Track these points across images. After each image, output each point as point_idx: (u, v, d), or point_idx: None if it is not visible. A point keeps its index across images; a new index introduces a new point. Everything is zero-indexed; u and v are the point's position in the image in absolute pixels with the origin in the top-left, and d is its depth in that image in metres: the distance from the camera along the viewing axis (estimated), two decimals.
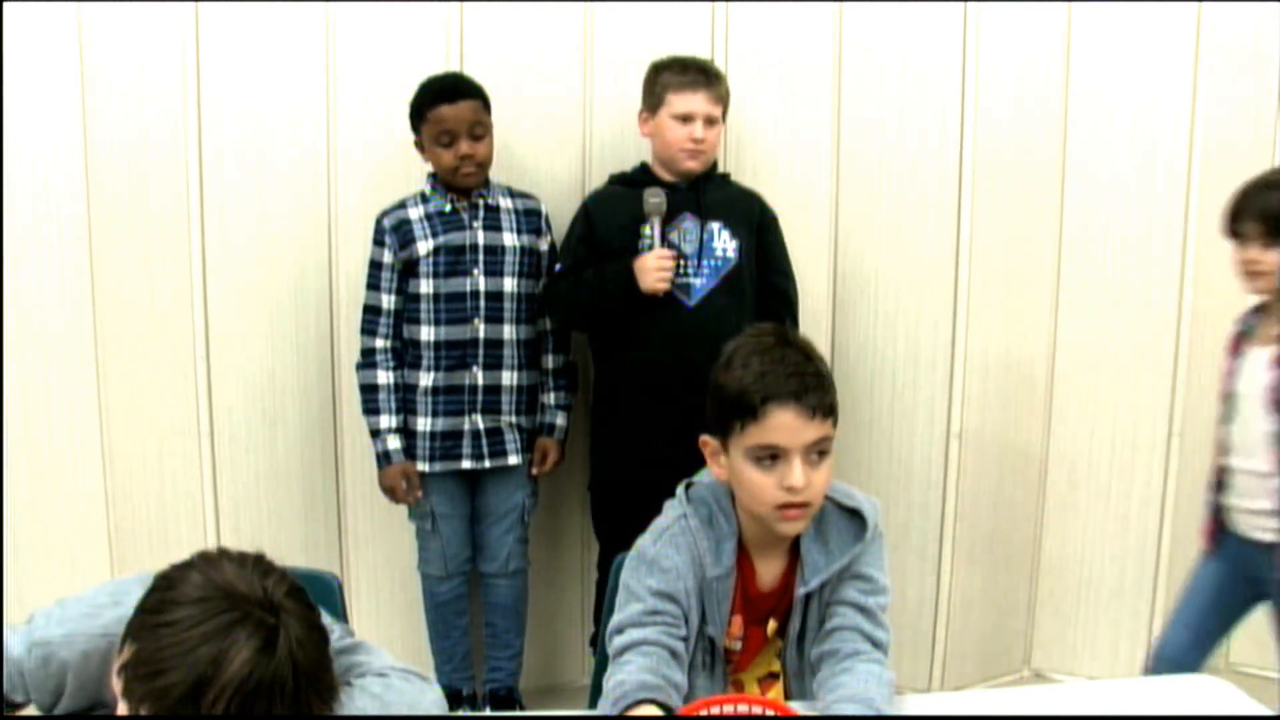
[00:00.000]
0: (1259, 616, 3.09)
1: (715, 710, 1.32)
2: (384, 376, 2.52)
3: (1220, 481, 2.20)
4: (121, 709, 1.11)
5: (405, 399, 2.53)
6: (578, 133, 2.70)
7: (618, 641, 1.45)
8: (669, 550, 1.50)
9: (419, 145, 2.51)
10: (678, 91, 2.45)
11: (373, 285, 2.53)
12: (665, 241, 2.45)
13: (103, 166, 2.53)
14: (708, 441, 1.52)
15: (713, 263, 2.48)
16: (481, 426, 2.52)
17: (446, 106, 2.44)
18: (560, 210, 2.66)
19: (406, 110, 2.50)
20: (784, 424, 1.42)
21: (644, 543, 1.53)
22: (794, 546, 1.55)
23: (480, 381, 2.51)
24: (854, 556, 1.52)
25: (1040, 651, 2.98)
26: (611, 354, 2.55)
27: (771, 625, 1.59)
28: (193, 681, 1.05)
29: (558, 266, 2.56)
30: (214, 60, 2.55)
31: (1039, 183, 2.77)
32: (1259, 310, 2.16)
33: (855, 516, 1.54)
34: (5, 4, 2.43)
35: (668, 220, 2.46)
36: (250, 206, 2.61)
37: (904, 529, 2.79)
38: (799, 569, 1.53)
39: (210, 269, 2.61)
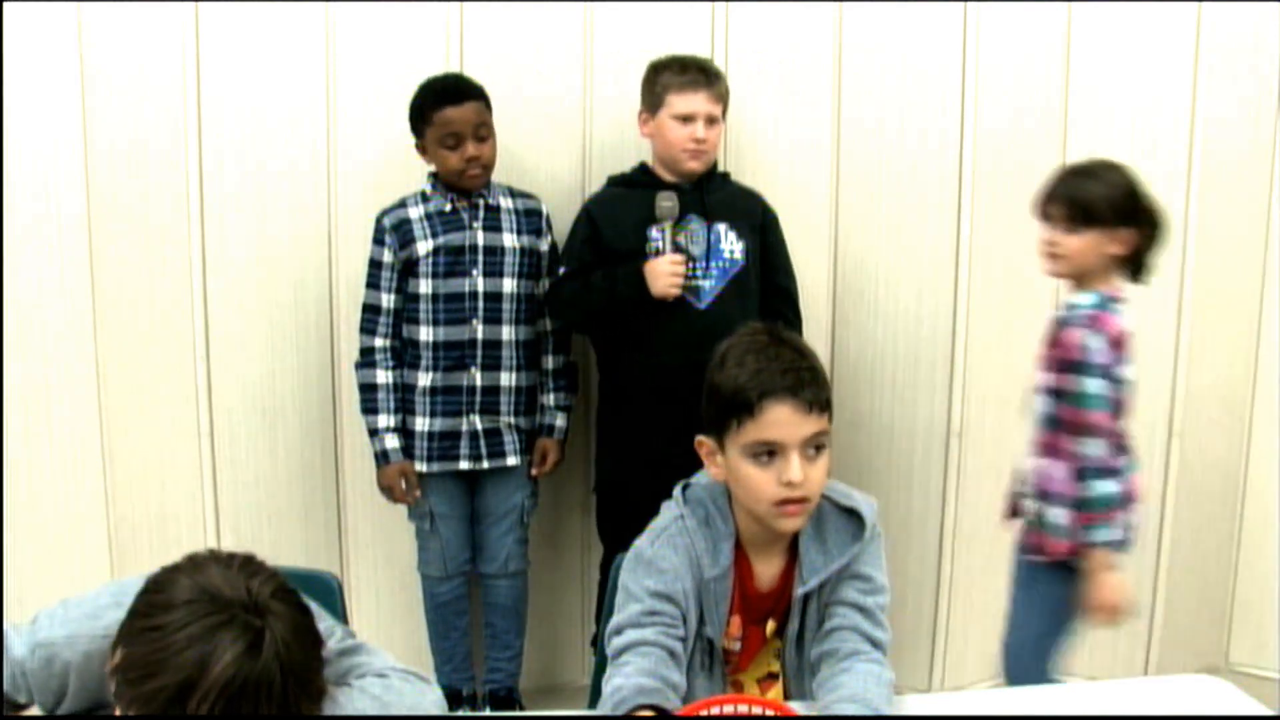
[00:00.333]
0: (1259, 616, 3.09)
1: (715, 710, 1.32)
2: (383, 376, 2.52)
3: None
4: (117, 711, 1.12)
5: (404, 399, 2.53)
6: (578, 133, 2.70)
7: (616, 643, 1.45)
8: (666, 551, 1.50)
9: (420, 148, 2.50)
10: (678, 92, 2.45)
11: (372, 284, 2.53)
12: (674, 244, 2.45)
13: (103, 166, 2.53)
14: (704, 442, 1.53)
15: (721, 264, 2.48)
16: (480, 427, 2.52)
17: (452, 109, 2.43)
18: (560, 211, 2.66)
19: (407, 112, 2.49)
20: (781, 419, 1.43)
21: (641, 544, 1.53)
22: (792, 547, 1.55)
23: (479, 382, 2.51)
24: (853, 556, 1.52)
25: None
26: (619, 357, 2.54)
27: (770, 625, 1.59)
28: (178, 684, 1.06)
29: (561, 269, 2.55)
30: (214, 60, 2.55)
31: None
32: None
33: (853, 516, 1.54)
34: (5, 4, 2.43)
35: (676, 222, 2.46)
36: (250, 207, 2.61)
37: (904, 529, 2.79)
38: (797, 569, 1.53)
39: (210, 269, 2.61)
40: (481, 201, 2.53)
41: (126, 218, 2.56)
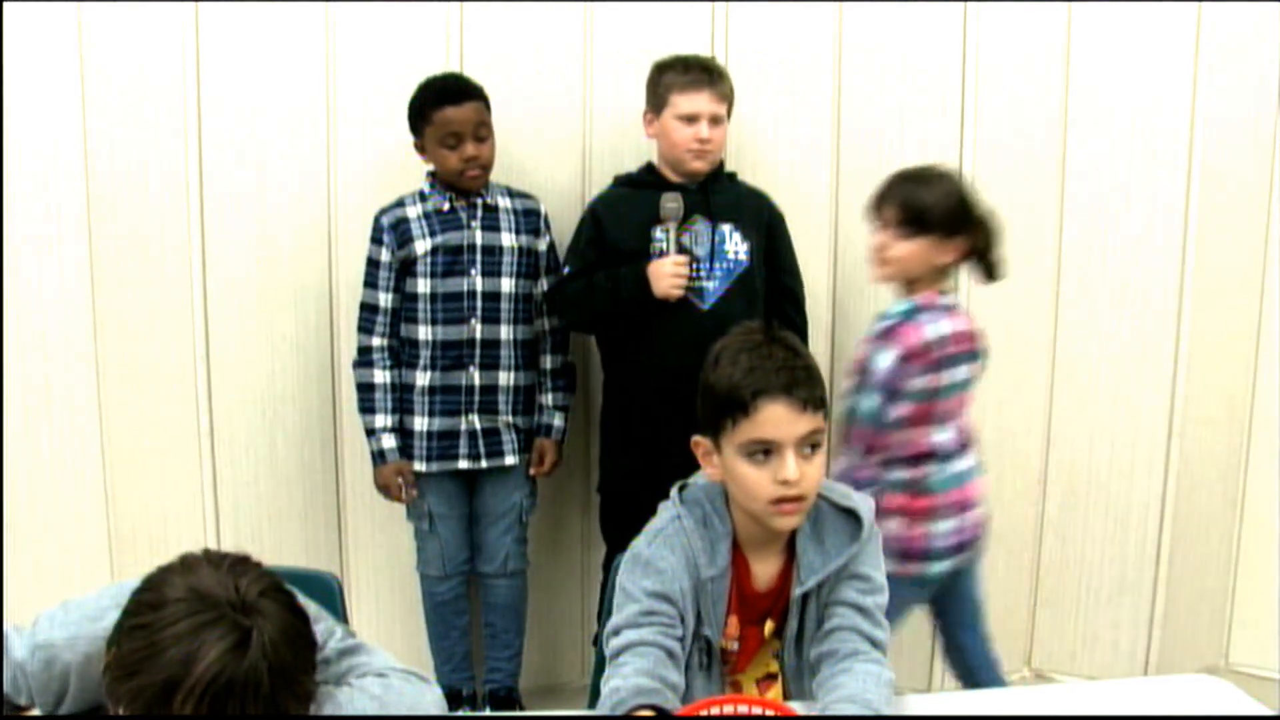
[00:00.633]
0: (1259, 616, 3.09)
1: (714, 711, 1.32)
2: (380, 375, 2.52)
3: None
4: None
5: (402, 398, 2.54)
6: (578, 133, 2.70)
7: (614, 643, 1.45)
8: (664, 551, 1.50)
9: (419, 147, 2.50)
10: (681, 92, 2.45)
11: (370, 284, 2.53)
12: (678, 245, 2.44)
13: (103, 166, 2.54)
14: (700, 442, 1.53)
15: (725, 265, 2.47)
16: (478, 426, 2.53)
17: (452, 108, 2.43)
18: (560, 211, 2.66)
19: (406, 111, 2.49)
20: (775, 417, 1.43)
21: (639, 544, 1.54)
22: (790, 547, 1.55)
23: (477, 381, 2.51)
24: (851, 556, 1.52)
25: (1040, 651, 2.98)
26: (622, 357, 2.54)
27: (769, 626, 1.59)
28: (163, 682, 1.07)
29: (566, 269, 2.55)
30: (214, 60, 2.55)
31: (1039, 183, 2.77)
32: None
33: (851, 516, 1.54)
34: (5, 4, 2.43)
35: (680, 223, 2.46)
36: (250, 207, 2.61)
37: None
38: (795, 569, 1.53)
39: (210, 269, 2.61)
40: (480, 201, 2.53)
41: (126, 218, 2.56)
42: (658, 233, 2.44)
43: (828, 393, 1.48)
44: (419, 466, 2.53)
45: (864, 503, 1.55)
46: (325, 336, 2.69)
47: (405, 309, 2.52)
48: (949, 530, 2.16)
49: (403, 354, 2.54)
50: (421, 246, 2.48)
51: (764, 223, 2.53)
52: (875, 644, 1.50)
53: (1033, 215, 2.78)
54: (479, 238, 2.51)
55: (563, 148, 2.70)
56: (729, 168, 2.63)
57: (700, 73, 2.46)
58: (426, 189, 2.53)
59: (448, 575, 2.62)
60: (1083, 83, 2.74)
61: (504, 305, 2.52)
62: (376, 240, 2.51)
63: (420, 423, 2.52)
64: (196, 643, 1.08)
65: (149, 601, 1.12)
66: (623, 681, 1.38)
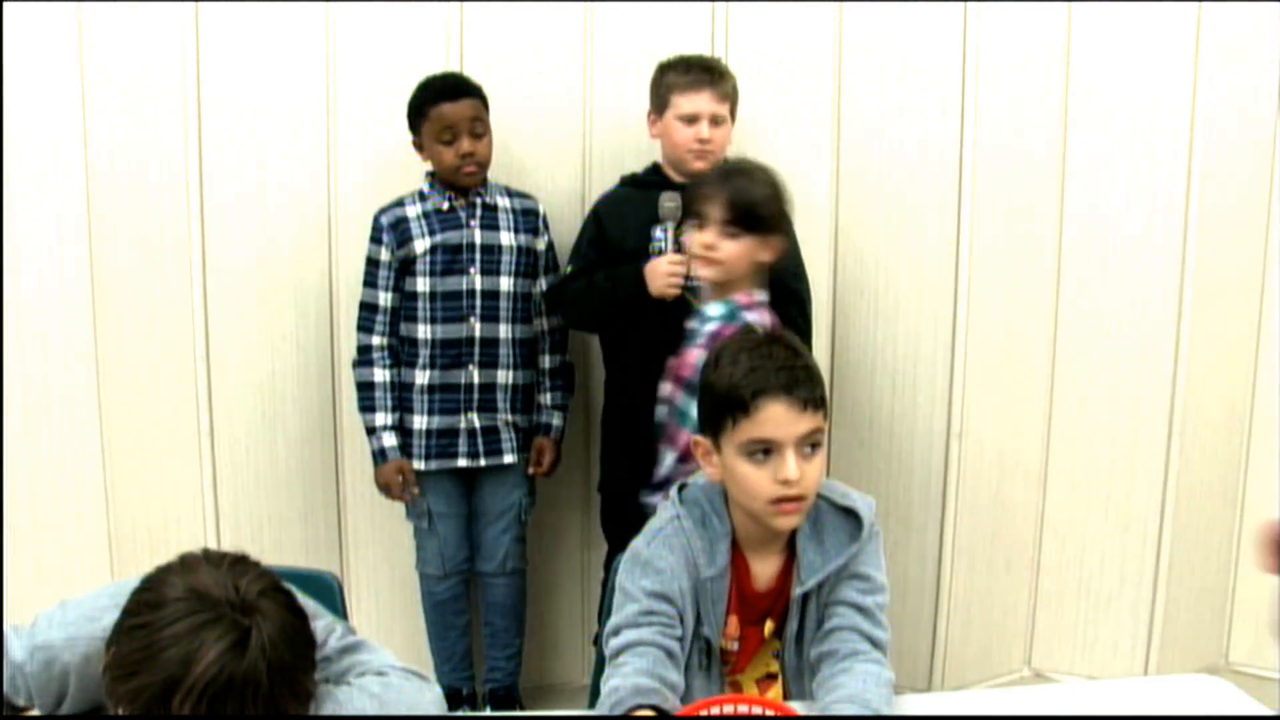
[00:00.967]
0: (1259, 616, 3.09)
1: (715, 711, 1.32)
2: (380, 374, 2.53)
3: None
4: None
5: (401, 397, 2.54)
6: (577, 133, 2.70)
7: (614, 643, 1.46)
8: (663, 551, 1.51)
9: (417, 145, 2.50)
10: (682, 92, 2.45)
11: (370, 283, 2.53)
12: (677, 245, 2.45)
13: (103, 166, 2.54)
14: (699, 442, 1.53)
15: None
16: (477, 425, 2.53)
17: (448, 104, 2.44)
18: (560, 211, 2.66)
19: (406, 110, 2.50)
20: (775, 417, 1.43)
21: (638, 544, 1.54)
22: (790, 546, 1.55)
23: (476, 380, 2.51)
24: (851, 556, 1.52)
25: (1040, 651, 2.98)
26: (622, 356, 2.54)
27: (769, 626, 1.59)
28: (162, 681, 1.07)
29: (568, 268, 2.55)
30: (214, 60, 2.55)
31: (1039, 183, 2.77)
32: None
33: (851, 516, 1.54)
34: (5, 4, 2.43)
35: (679, 223, 2.46)
36: (250, 206, 2.61)
37: (904, 529, 2.79)
38: (795, 569, 1.53)
39: (210, 269, 2.61)
40: (479, 200, 2.53)
41: (126, 218, 2.56)
42: (657, 232, 2.45)
43: (828, 393, 1.48)
44: (418, 465, 2.53)
45: (864, 502, 1.55)
46: (325, 336, 2.69)
47: (404, 308, 2.52)
48: None
49: (402, 353, 2.54)
50: (421, 245, 2.49)
51: None
52: (875, 644, 1.50)
53: (1032, 215, 2.78)
54: (478, 236, 2.51)
55: (563, 148, 2.70)
56: None
57: (701, 73, 2.46)
58: (426, 189, 2.54)
59: (447, 574, 2.62)
60: (1083, 83, 2.74)
61: (503, 304, 2.52)
62: (376, 240, 2.52)
63: (419, 421, 2.52)
64: (196, 642, 1.08)
65: (148, 601, 1.13)
66: (622, 681, 1.38)
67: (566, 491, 2.81)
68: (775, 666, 1.63)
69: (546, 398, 2.63)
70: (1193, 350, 2.79)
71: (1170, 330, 2.78)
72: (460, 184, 2.50)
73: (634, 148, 2.62)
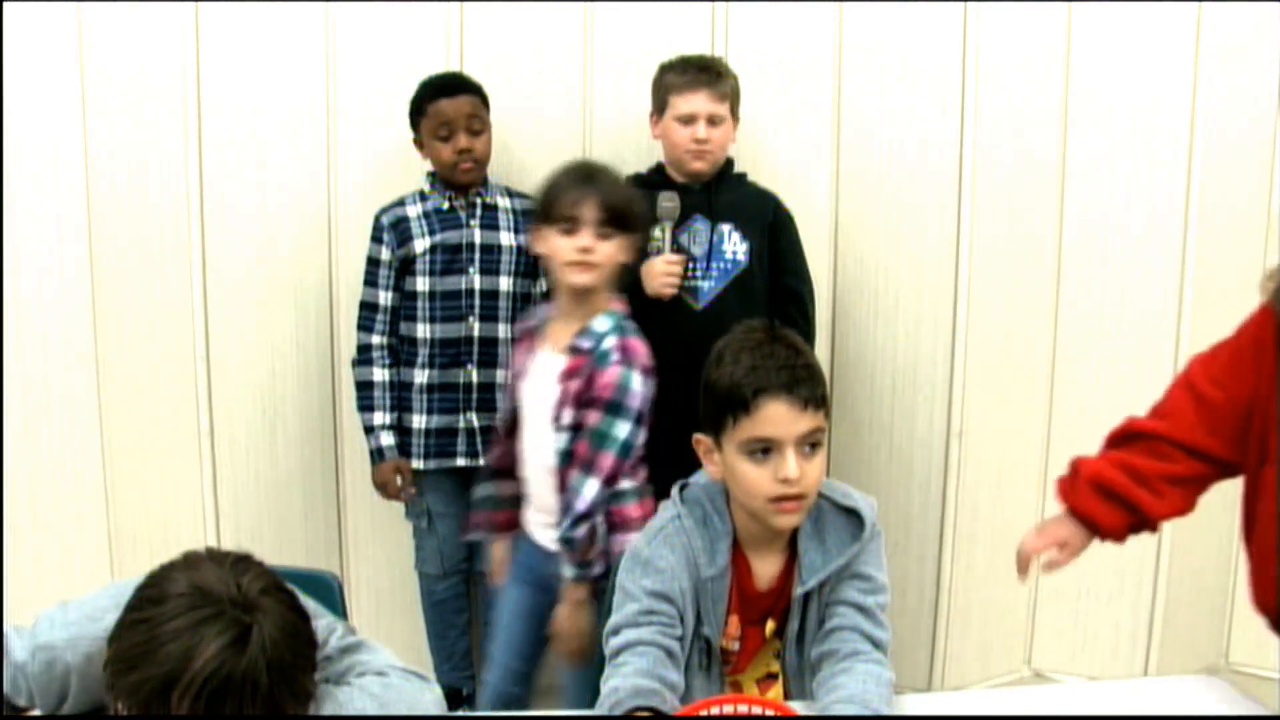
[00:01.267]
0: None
1: (715, 710, 1.32)
2: (379, 373, 2.53)
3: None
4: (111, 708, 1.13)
5: (401, 396, 2.54)
6: (578, 134, 2.70)
7: (614, 643, 1.46)
8: (663, 550, 1.51)
9: (417, 143, 2.51)
10: (679, 93, 2.45)
11: (370, 282, 2.53)
12: (675, 244, 2.45)
13: (103, 167, 2.54)
14: (701, 440, 1.53)
15: (722, 265, 2.47)
16: (476, 424, 2.53)
17: (445, 100, 2.45)
18: None
19: (407, 110, 2.50)
20: (776, 416, 1.43)
21: (639, 544, 1.54)
22: (791, 546, 1.55)
23: (475, 379, 2.51)
24: (852, 556, 1.52)
25: (1040, 651, 2.98)
26: None
27: (770, 625, 1.59)
28: (161, 676, 1.07)
29: None
30: (214, 60, 2.55)
31: (1039, 183, 2.77)
32: (551, 308, 2.11)
33: (853, 516, 1.54)
34: (5, 4, 2.43)
35: (679, 222, 2.46)
36: (250, 206, 2.61)
37: (904, 529, 2.79)
38: (796, 569, 1.54)
39: (210, 269, 2.61)
40: (479, 200, 2.53)
41: (126, 218, 2.56)
42: (655, 232, 2.45)
43: (829, 392, 1.49)
44: (417, 464, 2.54)
45: (865, 503, 1.55)
46: (325, 336, 2.69)
47: (404, 307, 2.52)
48: None
49: (401, 352, 2.54)
50: (420, 245, 2.49)
51: (766, 223, 2.52)
52: (876, 644, 1.50)
53: (1032, 215, 2.78)
54: (477, 236, 2.51)
55: (563, 148, 2.70)
56: (739, 168, 2.62)
57: (698, 73, 2.46)
58: (426, 188, 2.54)
59: (446, 573, 2.62)
60: (1083, 83, 2.74)
61: (502, 304, 2.53)
62: (376, 239, 2.52)
63: (418, 420, 2.52)
64: (196, 638, 1.08)
65: (150, 596, 1.13)
66: (621, 681, 1.38)
67: None
68: (776, 666, 1.63)
69: None
70: (1193, 350, 2.77)
71: (1170, 330, 2.78)
72: (458, 181, 2.50)
73: (634, 148, 2.62)
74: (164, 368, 2.62)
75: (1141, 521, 1.55)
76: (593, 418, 1.96)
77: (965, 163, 2.69)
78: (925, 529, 2.81)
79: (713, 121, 2.44)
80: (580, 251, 1.98)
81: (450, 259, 2.50)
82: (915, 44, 2.67)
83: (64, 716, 1.31)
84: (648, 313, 2.42)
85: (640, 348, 2.02)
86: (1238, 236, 2.83)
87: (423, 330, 2.50)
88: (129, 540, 2.65)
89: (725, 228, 2.48)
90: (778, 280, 2.54)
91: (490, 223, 2.53)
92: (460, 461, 2.54)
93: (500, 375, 2.54)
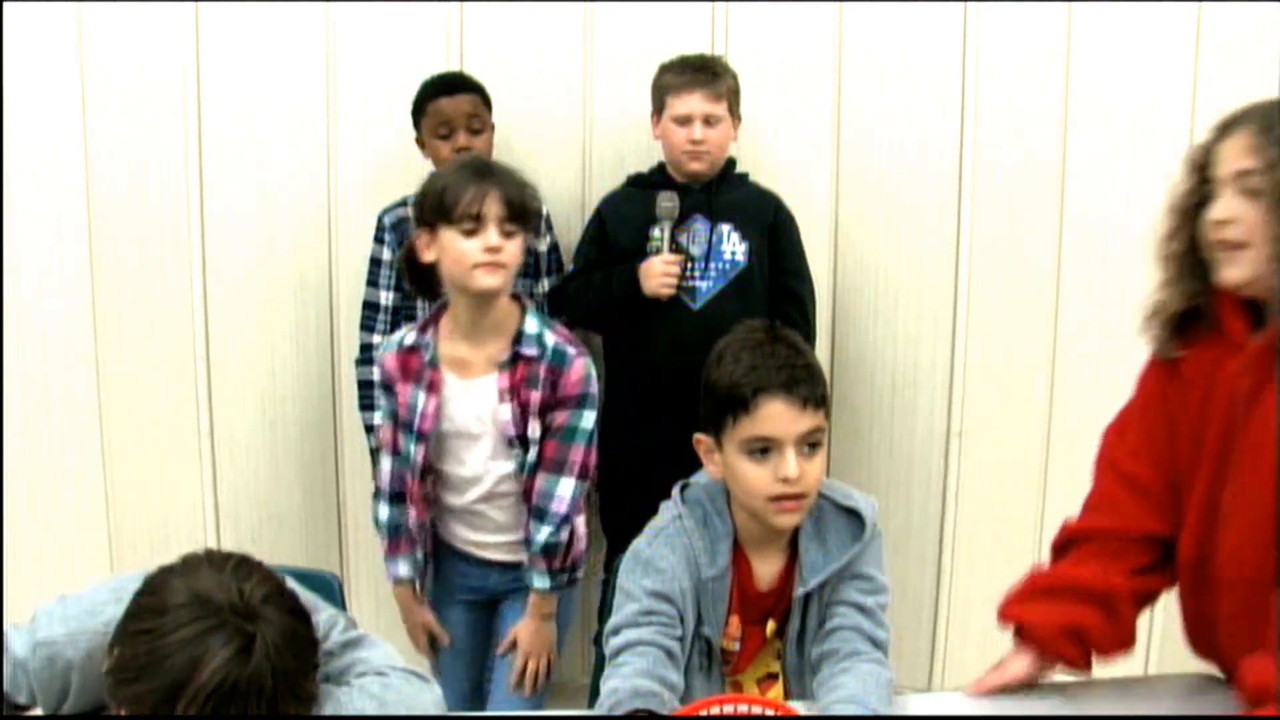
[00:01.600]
0: None
1: (715, 710, 1.32)
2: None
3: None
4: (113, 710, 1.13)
5: None
6: (578, 133, 2.70)
7: (614, 643, 1.46)
8: (664, 551, 1.51)
9: (420, 143, 2.51)
10: (675, 93, 2.45)
11: (372, 282, 2.53)
12: (674, 244, 2.45)
13: (103, 167, 2.54)
14: (701, 440, 1.53)
15: (720, 265, 2.47)
16: None
17: (445, 99, 2.45)
18: (560, 211, 2.66)
19: (408, 110, 2.50)
20: (775, 415, 1.44)
21: (639, 544, 1.54)
22: (792, 546, 1.55)
23: None
24: (853, 556, 1.52)
25: None
26: (619, 355, 2.55)
27: (770, 626, 1.59)
28: (167, 688, 1.08)
29: (570, 267, 2.56)
30: (214, 60, 2.55)
31: (1039, 183, 2.77)
32: (430, 326, 1.95)
33: (853, 516, 1.54)
34: (5, 4, 2.43)
35: (678, 222, 2.46)
36: (250, 206, 2.61)
37: (904, 529, 2.79)
38: (797, 569, 1.54)
39: (210, 269, 2.61)
40: None
41: (126, 218, 2.56)
42: (654, 231, 2.45)
43: (829, 392, 1.48)
44: None
45: (866, 503, 1.55)
46: (325, 335, 2.69)
47: (405, 307, 2.52)
48: None
49: None
50: None
51: (768, 224, 2.52)
52: (876, 644, 1.50)
53: (1032, 215, 2.78)
54: None
55: (563, 148, 2.70)
56: (740, 168, 2.62)
57: (694, 73, 2.45)
58: None
59: None
60: (1083, 83, 2.73)
61: None
62: (379, 239, 2.52)
63: None
64: (200, 649, 1.08)
65: (151, 606, 1.13)
66: (621, 682, 1.38)
67: None
68: (776, 666, 1.63)
69: None
70: None
71: None
72: None
73: (635, 148, 2.62)
74: (164, 368, 2.62)
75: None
76: (560, 417, 1.91)
77: (965, 163, 2.69)
78: (925, 529, 2.81)
79: (709, 122, 2.44)
80: (489, 251, 1.84)
81: None
82: (915, 44, 2.67)
83: (64, 716, 1.31)
84: (645, 312, 2.43)
85: (566, 330, 2.01)
86: None
87: None
88: (129, 540, 2.65)
89: (725, 228, 2.48)
90: (777, 280, 2.54)
91: None
92: None
93: None
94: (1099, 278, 2.80)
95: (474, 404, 1.93)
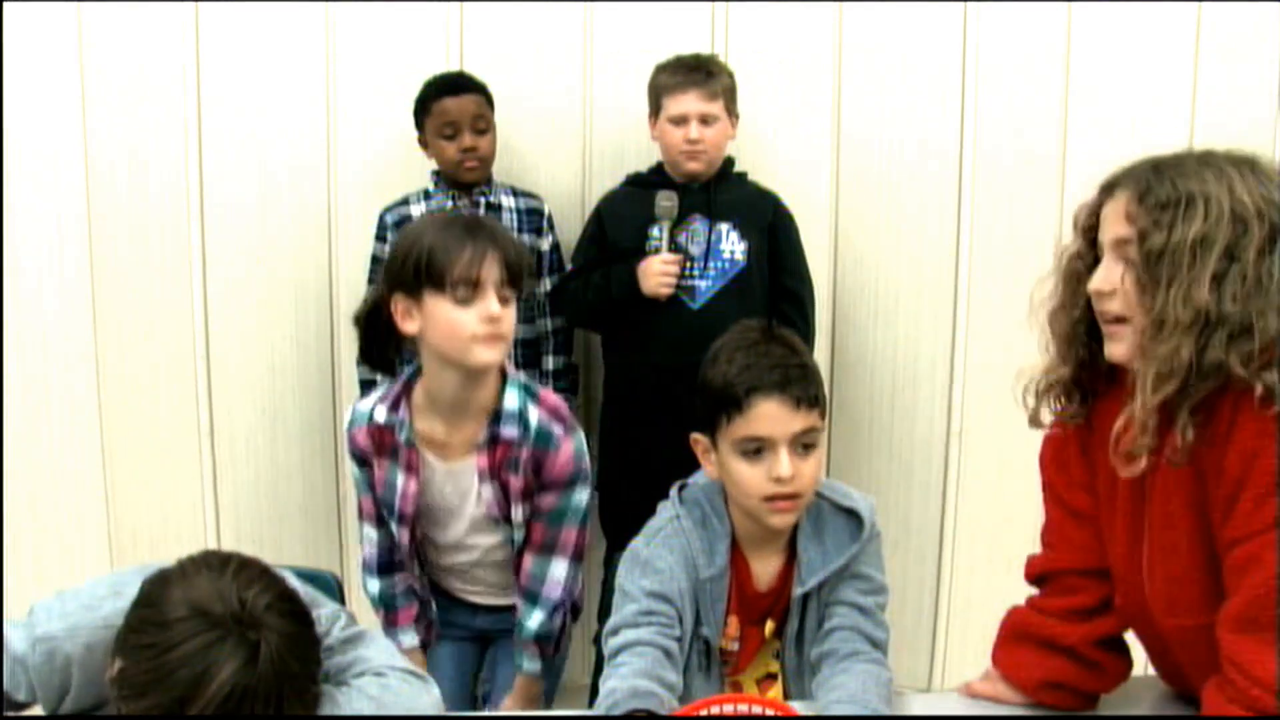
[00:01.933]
0: None
1: (715, 710, 1.32)
2: None
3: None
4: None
5: None
6: (578, 133, 2.70)
7: (612, 643, 1.46)
8: (662, 551, 1.51)
9: (422, 143, 2.51)
10: (670, 94, 2.45)
11: (373, 281, 2.53)
12: (673, 244, 2.45)
13: (103, 166, 2.54)
14: (698, 439, 1.53)
15: (719, 265, 2.47)
16: None
17: (449, 99, 2.45)
18: (561, 211, 2.66)
19: (408, 110, 2.51)
20: (769, 414, 1.43)
21: (637, 544, 1.54)
22: (790, 546, 1.55)
23: None
24: (851, 556, 1.52)
25: None
26: (618, 354, 2.55)
27: (769, 626, 1.59)
28: (174, 700, 1.08)
29: (569, 266, 2.57)
30: (214, 60, 2.55)
31: (1039, 183, 2.77)
32: (401, 401, 1.73)
33: (852, 516, 1.54)
34: (5, 4, 2.43)
35: (677, 221, 2.46)
36: (250, 206, 2.61)
37: (904, 529, 2.79)
38: (796, 569, 1.53)
39: (210, 269, 2.61)
40: (483, 200, 2.53)
41: (126, 218, 2.56)
42: (653, 231, 2.45)
43: (827, 392, 1.48)
44: None
45: (864, 503, 1.55)
46: (325, 335, 2.69)
47: None
48: None
49: None
50: None
51: (767, 223, 2.52)
52: (875, 644, 1.50)
53: (1032, 215, 2.77)
54: None
55: (563, 148, 2.70)
56: (739, 167, 2.62)
57: (688, 73, 2.45)
58: (431, 187, 2.54)
59: None
60: (1083, 83, 2.73)
61: None
62: (380, 238, 2.53)
63: None
64: (207, 662, 1.09)
65: (152, 619, 1.13)
66: (619, 683, 1.38)
67: None
68: (776, 666, 1.63)
69: None
70: None
71: None
72: (462, 180, 2.50)
73: (635, 147, 2.62)
74: (164, 368, 2.62)
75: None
76: (549, 500, 1.74)
77: (965, 163, 2.69)
78: (925, 529, 2.81)
79: (705, 121, 2.44)
80: (488, 322, 1.62)
81: None
82: (915, 44, 2.67)
83: (65, 716, 1.31)
84: (644, 312, 2.43)
85: (556, 399, 1.78)
86: None
87: None
88: (129, 540, 2.65)
89: (724, 227, 2.48)
90: (777, 280, 2.54)
91: None
92: None
93: None
94: None
95: (456, 482, 1.76)
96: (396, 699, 1.33)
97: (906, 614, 2.80)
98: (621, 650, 1.44)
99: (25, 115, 2.48)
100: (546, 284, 2.60)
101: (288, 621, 1.15)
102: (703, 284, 2.46)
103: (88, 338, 2.58)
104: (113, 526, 2.64)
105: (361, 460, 1.80)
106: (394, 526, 1.81)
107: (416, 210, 2.51)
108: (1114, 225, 1.30)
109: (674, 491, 1.58)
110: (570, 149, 2.71)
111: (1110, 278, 1.29)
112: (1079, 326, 1.37)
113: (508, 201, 2.57)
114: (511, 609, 1.87)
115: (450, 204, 2.51)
